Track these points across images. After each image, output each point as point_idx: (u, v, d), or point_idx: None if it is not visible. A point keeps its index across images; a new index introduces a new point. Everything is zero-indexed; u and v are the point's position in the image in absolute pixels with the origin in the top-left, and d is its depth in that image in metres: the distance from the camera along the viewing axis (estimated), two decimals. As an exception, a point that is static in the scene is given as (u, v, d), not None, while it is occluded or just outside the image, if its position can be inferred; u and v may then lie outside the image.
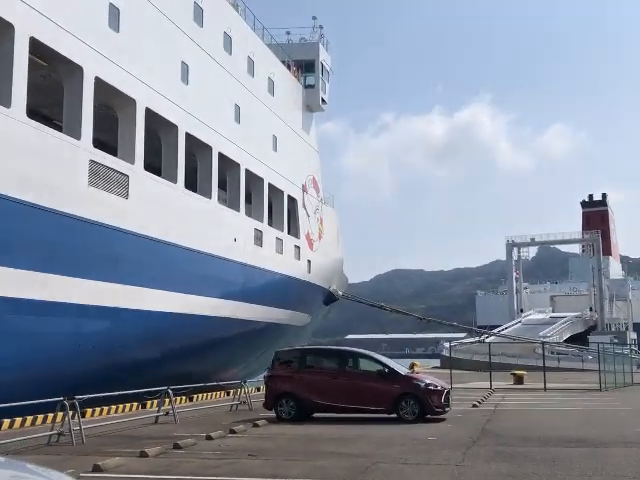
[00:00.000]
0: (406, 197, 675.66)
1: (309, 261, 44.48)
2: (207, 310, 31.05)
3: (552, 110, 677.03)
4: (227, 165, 34.30)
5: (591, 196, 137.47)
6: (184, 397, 25.20)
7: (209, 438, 14.24)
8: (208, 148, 31.76)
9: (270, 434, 15.25)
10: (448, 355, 70.92)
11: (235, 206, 34.64)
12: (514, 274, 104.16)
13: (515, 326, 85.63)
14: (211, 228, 31.21)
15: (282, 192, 40.69)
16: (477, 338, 71.22)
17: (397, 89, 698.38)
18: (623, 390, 30.85)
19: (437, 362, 71.71)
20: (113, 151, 25.81)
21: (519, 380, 35.94)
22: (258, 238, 36.69)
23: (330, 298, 51.70)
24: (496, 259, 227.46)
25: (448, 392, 18.10)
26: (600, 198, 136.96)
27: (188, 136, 29.63)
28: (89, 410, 19.41)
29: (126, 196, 25.01)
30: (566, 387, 32.03)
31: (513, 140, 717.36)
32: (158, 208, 26.90)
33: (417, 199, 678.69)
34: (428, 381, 17.84)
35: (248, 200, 37.96)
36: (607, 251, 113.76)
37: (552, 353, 61.08)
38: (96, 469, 10.28)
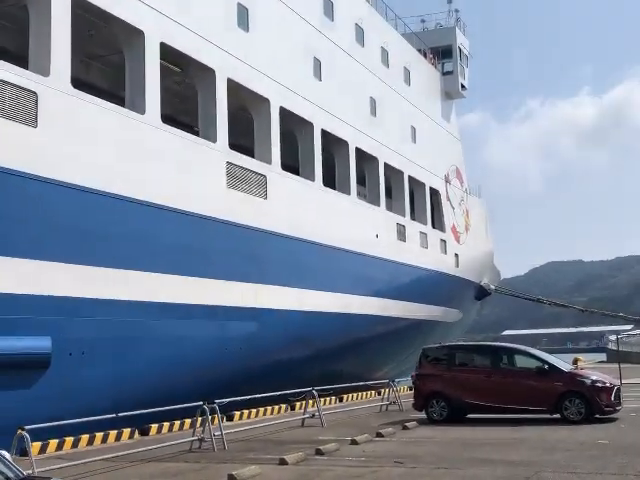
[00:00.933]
0: (556, 186, 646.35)
1: (456, 255, 42.84)
2: (354, 308, 30.43)
3: None
4: (365, 159, 33.54)
5: None
6: (333, 397, 24.69)
7: (354, 442, 13.42)
8: (344, 143, 31.13)
9: (420, 438, 14.20)
10: (615, 349, 66.52)
11: (375, 201, 33.79)
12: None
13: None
14: (351, 224, 30.54)
15: (423, 184, 39.39)
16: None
17: (542, 73, 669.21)
18: None
19: (603, 356, 66.95)
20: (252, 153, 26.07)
21: (702, 375, 32.42)
22: (401, 233, 35.65)
23: (482, 293, 49.61)
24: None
25: (619, 389, 16.21)
26: None
27: (324, 132, 29.14)
28: (237, 414, 19.27)
29: (265, 196, 24.86)
30: None
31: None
32: (296, 206, 26.57)
33: (568, 187, 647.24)
34: (595, 377, 16.04)
35: (388, 195, 37.08)
36: None
37: None
38: (231, 479, 9.72)
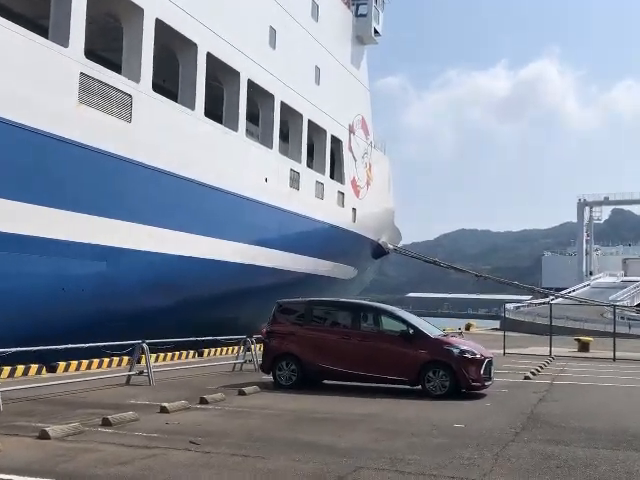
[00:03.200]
0: (470, 155, 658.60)
1: (354, 209, 40.66)
2: (232, 256, 27.82)
3: (621, 65, 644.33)
4: (259, 95, 30.62)
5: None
6: (192, 352, 22.17)
7: (163, 410, 10.90)
8: (235, 74, 28.07)
9: (250, 407, 11.80)
10: (507, 317, 66.92)
11: (267, 142, 31.01)
12: (584, 235, 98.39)
13: (583, 289, 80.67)
14: (236, 164, 27.71)
15: (325, 131, 36.78)
16: (541, 300, 66.42)
17: (462, 41, 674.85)
18: None
19: (497, 324, 67.08)
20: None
21: (584, 347, 31.63)
22: (294, 180, 33.07)
23: (379, 251, 47.87)
24: (566, 221, 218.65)
25: (490, 362, 14.27)
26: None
27: (210, 57, 25.99)
28: (62, 364, 16.48)
29: (129, 119, 21.69)
30: (639, 358, 27.62)
31: (581, 97, 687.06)
32: (169, 136, 23.51)
33: (482, 157, 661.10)
34: (464, 347, 14.02)
35: (285, 138, 34.39)
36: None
37: (622, 318, 56.09)
38: None
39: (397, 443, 8.99)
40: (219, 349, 23.44)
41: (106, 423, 9.59)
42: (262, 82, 29.98)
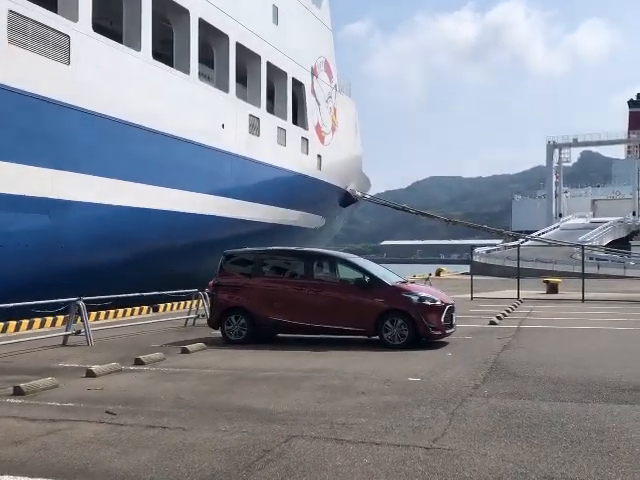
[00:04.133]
0: (439, 101, 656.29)
1: (319, 156, 39.38)
2: (189, 207, 26.61)
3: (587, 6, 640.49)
4: (213, 36, 29.00)
5: (639, 94, 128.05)
6: (145, 307, 21.09)
7: (89, 374, 9.87)
8: (184, 12, 26.44)
9: (189, 367, 10.80)
10: (477, 261, 66.63)
11: (223, 86, 29.50)
12: (554, 177, 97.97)
13: (553, 231, 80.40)
14: (189, 109, 26.24)
15: (285, 74, 35.24)
16: (512, 243, 66.00)
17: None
18: (678, 303, 25.87)
19: (468, 268, 66.75)
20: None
21: (553, 289, 31.18)
22: (254, 126, 31.68)
23: (348, 199, 46.72)
24: (536, 165, 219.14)
25: (452, 308, 13.39)
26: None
27: (156, -6, 24.31)
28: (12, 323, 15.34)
29: (67, 61, 20.14)
30: (608, 298, 27.16)
31: (547, 40, 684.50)
32: (112, 79, 21.99)
33: (450, 103, 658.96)
34: (423, 294, 13.09)
35: (243, 82, 32.84)
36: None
37: (591, 259, 55.89)
38: None
39: (342, 403, 8.07)
40: (176, 304, 22.36)
41: (18, 392, 8.54)
42: (215, 21, 28.35)
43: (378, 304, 12.86)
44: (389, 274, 14.11)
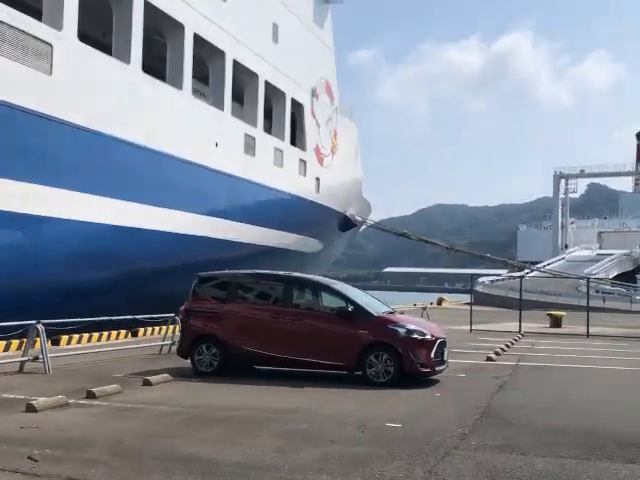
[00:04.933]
0: (445, 130, 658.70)
1: (318, 179, 38.38)
2: (181, 227, 25.59)
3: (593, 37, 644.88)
4: (208, 52, 28.19)
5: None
6: (123, 331, 19.97)
7: (30, 409, 8.74)
8: (179, 27, 25.61)
9: (144, 402, 9.65)
10: (480, 291, 65.38)
11: (218, 104, 28.62)
12: (560, 208, 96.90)
13: (558, 262, 79.14)
14: (181, 126, 25.34)
15: (284, 94, 34.36)
16: (513, 273, 64.71)
17: (434, 14, 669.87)
18: (687, 340, 24.59)
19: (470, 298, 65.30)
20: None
21: (556, 322, 29.90)
22: (250, 146, 30.73)
23: (347, 224, 45.66)
24: (543, 196, 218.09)
25: (443, 343, 12.21)
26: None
27: (149, 7, 23.53)
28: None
29: (49, 71, 19.26)
30: (613, 334, 25.90)
31: (555, 71, 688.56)
32: (99, 92, 21.11)
33: (457, 132, 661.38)
34: (412, 326, 11.91)
35: (240, 101, 32.02)
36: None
37: (597, 292, 54.58)
38: None
39: (304, 454, 6.91)
40: (157, 328, 21.22)
41: None
42: (211, 37, 27.56)
43: (361, 336, 11.70)
44: (375, 303, 12.98)
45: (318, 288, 12.71)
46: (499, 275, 72.97)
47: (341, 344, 11.76)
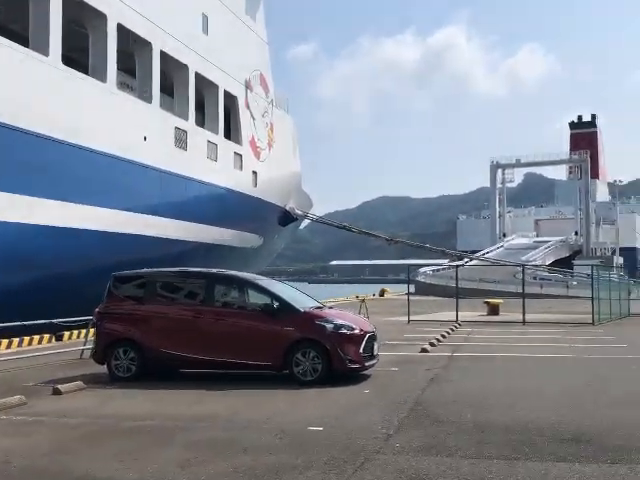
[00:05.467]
0: (386, 123, 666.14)
1: (255, 172, 37.65)
2: (105, 225, 24.54)
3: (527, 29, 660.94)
4: (134, 44, 27.17)
5: (580, 117, 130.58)
6: (47, 336, 18.95)
7: None
8: (102, 16, 24.53)
9: (48, 415, 8.90)
10: (422, 281, 65.71)
11: (145, 97, 27.62)
12: (498, 198, 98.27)
13: (497, 251, 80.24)
14: (104, 119, 24.29)
15: (217, 86, 33.49)
16: (453, 263, 65.26)
17: (368, 8, 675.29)
18: (620, 324, 24.93)
19: (412, 288, 65.49)
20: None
21: (493, 310, 30.01)
22: (181, 140, 29.81)
23: (287, 218, 45.05)
24: (482, 186, 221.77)
25: (372, 337, 11.76)
26: (589, 119, 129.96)
27: (68, -3, 22.43)
28: None
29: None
30: (549, 320, 26.07)
31: (489, 64, 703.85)
32: (15, 84, 20.00)
33: (398, 125, 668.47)
34: (340, 321, 11.42)
35: (171, 94, 31.05)
36: (594, 174, 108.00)
37: (534, 279, 55.41)
38: None
39: (212, 468, 6.33)
40: (84, 332, 20.23)
41: None
42: (136, 28, 26.53)
43: (287, 333, 11.15)
44: (304, 298, 12.44)
45: (242, 285, 12.09)
46: (440, 265, 73.63)
47: (267, 343, 11.19)
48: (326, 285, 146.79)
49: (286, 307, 11.41)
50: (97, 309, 12.47)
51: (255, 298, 11.85)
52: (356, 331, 11.33)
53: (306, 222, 55.46)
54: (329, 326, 11.17)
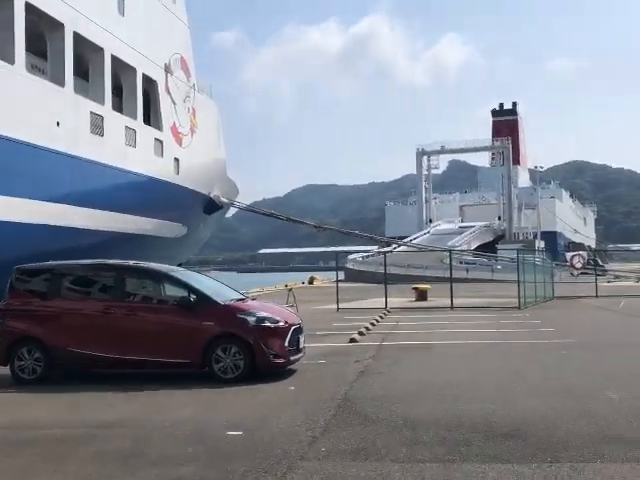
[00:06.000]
0: (311, 110, 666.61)
1: (177, 159, 36.41)
2: (10, 214, 23.06)
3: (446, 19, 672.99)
4: (45, 24, 25.67)
5: (502, 105, 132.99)
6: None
7: None
8: (6, -6, 22.97)
9: None
10: (351, 267, 65.61)
11: (58, 80, 26.14)
12: (424, 184, 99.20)
13: (424, 236, 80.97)
14: (13, 104, 22.81)
15: (134, 69, 32.12)
16: (382, 249, 65.46)
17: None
18: (545, 307, 25.15)
19: (342, 275, 65.16)
20: None
21: (422, 295, 29.92)
22: (97, 125, 28.41)
23: (212, 206, 43.91)
24: (409, 173, 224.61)
25: (298, 329, 11.12)
26: (510, 107, 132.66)
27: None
28: None
29: None
30: (477, 304, 26.11)
31: (412, 52, 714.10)
32: None
33: (323, 112, 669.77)
34: (262, 314, 10.72)
35: (86, 77, 29.57)
36: (516, 160, 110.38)
37: (460, 263, 55.97)
38: None
39: (115, 486, 5.58)
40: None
41: None
42: (45, 6, 25.03)
43: (206, 328, 10.40)
44: (225, 290, 11.70)
45: (156, 277, 11.23)
46: (369, 251, 73.77)
47: (184, 339, 10.41)
48: (255, 274, 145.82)
49: (204, 300, 10.63)
50: (-1, 305, 11.38)
51: (171, 291, 11.03)
52: (280, 324, 10.67)
53: (233, 210, 54.46)
54: (251, 319, 10.47)
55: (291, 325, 10.87)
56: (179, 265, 44.76)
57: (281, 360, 10.58)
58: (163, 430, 7.46)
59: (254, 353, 10.30)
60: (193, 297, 10.60)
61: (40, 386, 10.38)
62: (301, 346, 11.18)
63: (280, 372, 10.78)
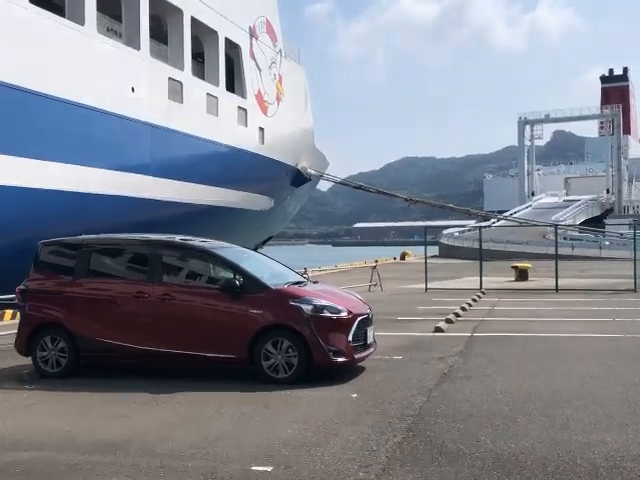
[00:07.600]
0: (406, 82, 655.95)
1: (262, 129, 34.83)
2: (91, 186, 22.14)
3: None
4: (119, -16, 24.41)
5: (611, 70, 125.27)
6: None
7: None
8: (76, -50, 21.76)
9: None
10: (446, 243, 62.85)
11: (133, 43, 24.90)
12: (526, 155, 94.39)
13: (525, 210, 77.06)
14: (82, 68, 21.67)
15: (216, 33, 30.60)
16: (485, 223, 62.16)
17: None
18: (667, 290, 22.01)
19: (436, 250, 62.72)
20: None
21: (522, 275, 27.19)
22: (175, 91, 27.09)
23: (300, 178, 42.24)
24: (510, 145, 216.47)
25: (366, 320, 9.12)
26: (621, 73, 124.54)
27: None
28: None
29: None
30: (585, 286, 23.25)
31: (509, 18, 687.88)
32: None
33: (419, 83, 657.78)
34: (322, 302, 8.74)
35: (164, 41, 28.32)
36: (627, 130, 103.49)
37: (565, 239, 52.28)
38: None
39: None
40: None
41: None
42: (120, -35, 23.74)
43: (254, 317, 8.56)
44: (281, 271, 9.82)
45: (197, 255, 9.40)
46: (464, 226, 70.64)
47: (228, 330, 8.62)
48: (350, 247, 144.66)
49: (253, 283, 8.75)
50: (20, 286, 9.93)
51: (216, 272, 9.25)
52: (343, 314, 8.68)
53: (329, 184, 52.81)
54: (307, 307, 8.52)
55: (357, 315, 8.86)
56: (268, 239, 43.96)
57: (343, 358, 8.58)
58: (173, 460, 5.66)
59: (310, 349, 8.38)
60: (240, 279, 8.75)
61: (63, 383, 8.87)
62: (369, 341, 9.16)
63: (342, 371, 8.83)
